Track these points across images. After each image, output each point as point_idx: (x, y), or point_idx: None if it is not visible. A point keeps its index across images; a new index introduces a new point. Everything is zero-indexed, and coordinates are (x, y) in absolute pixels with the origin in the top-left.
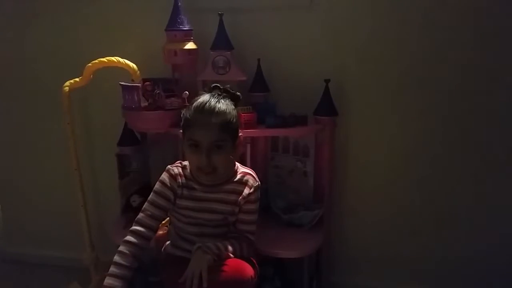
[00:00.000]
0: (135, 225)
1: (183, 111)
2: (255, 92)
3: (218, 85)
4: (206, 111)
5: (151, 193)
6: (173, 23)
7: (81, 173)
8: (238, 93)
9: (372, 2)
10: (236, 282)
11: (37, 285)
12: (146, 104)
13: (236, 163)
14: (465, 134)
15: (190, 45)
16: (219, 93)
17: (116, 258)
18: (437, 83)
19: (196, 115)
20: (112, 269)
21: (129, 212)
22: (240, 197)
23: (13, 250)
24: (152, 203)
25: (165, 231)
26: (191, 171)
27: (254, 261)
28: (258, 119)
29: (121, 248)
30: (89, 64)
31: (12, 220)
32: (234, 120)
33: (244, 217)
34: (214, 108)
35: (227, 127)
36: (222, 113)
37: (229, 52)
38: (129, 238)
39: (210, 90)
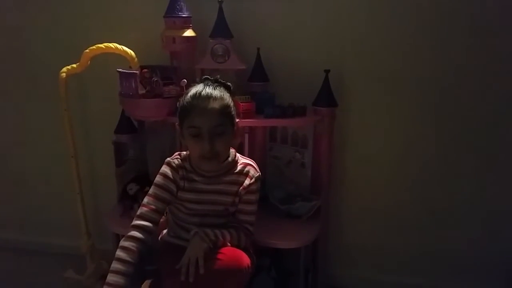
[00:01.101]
0: (138, 220)
1: (178, 102)
2: (254, 82)
3: (208, 76)
4: (203, 97)
5: (153, 187)
6: (172, 9)
7: (78, 161)
8: (229, 83)
9: None
10: (232, 271)
11: (33, 272)
12: (144, 91)
13: (237, 154)
14: (466, 126)
15: (189, 33)
16: (211, 83)
17: (121, 254)
18: (437, 73)
19: (193, 102)
20: (117, 265)
21: (126, 200)
22: (241, 188)
23: (9, 237)
24: (155, 197)
25: (163, 220)
26: (191, 161)
27: (251, 251)
28: (256, 109)
29: (126, 243)
30: (87, 50)
31: (8, 207)
32: (231, 105)
33: (244, 207)
34: (211, 94)
35: (225, 112)
36: (219, 98)
37: (228, 41)
38: (134, 233)
39: (201, 82)
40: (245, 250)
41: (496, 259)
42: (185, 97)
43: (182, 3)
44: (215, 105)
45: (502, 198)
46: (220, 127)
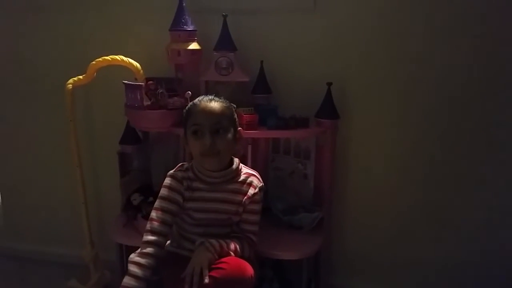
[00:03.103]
0: (149, 235)
1: (184, 111)
2: (257, 94)
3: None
4: (205, 100)
5: (158, 200)
6: (177, 23)
7: (83, 171)
8: (234, 105)
9: (375, 6)
10: (236, 281)
11: (36, 281)
12: (149, 103)
13: (240, 163)
14: (465, 137)
15: (194, 46)
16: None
17: (135, 270)
18: (438, 86)
19: (196, 103)
20: (130, 282)
21: (130, 210)
22: (245, 197)
23: (13, 246)
24: (162, 209)
25: None
26: (194, 169)
27: (255, 262)
28: (259, 120)
29: (141, 260)
30: (93, 62)
31: (13, 216)
32: (233, 110)
33: (248, 217)
34: (213, 98)
35: (226, 112)
36: (220, 101)
37: (232, 53)
38: (148, 250)
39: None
40: (248, 260)
41: (496, 261)
42: (188, 105)
43: (187, 17)
44: (216, 105)
45: (501, 199)
46: (220, 125)
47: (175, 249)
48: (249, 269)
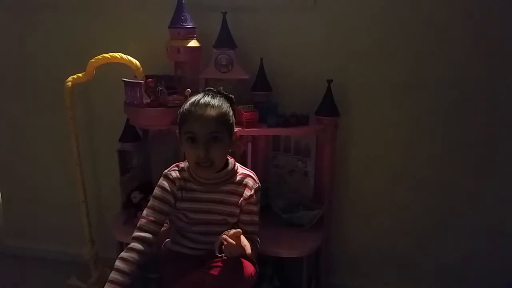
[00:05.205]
0: (138, 232)
1: (178, 110)
2: (257, 91)
3: (211, 88)
4: (201, 104)
5: (151, 199)
6: (176, 20)
7: (82, 169)
8: (231, 96)
9: (374, 3)
10: (236, 279)
11: (36, 279)
12: (148, 100)
13: (236, 163)
14: (465, 134)
15: (193, 43)
16: (212, 93)
17: (120, 265)
18: (438, 83)
19: (191, 109)
20: (115, 276)
21: (130, 208)
22: (241, 199)
23: (13, 244)
24: (154, 209)
25: (166, 228)
26: (189, 169)
27: (254, 260)
28: (259, 118)
29: (125, 255)
30: (92, 60)
31: (13, 214)
32: (230, 114)
33: (247, 218)
34: (209, 102)
35: (222, 120)
36: (216, 106)
37: (232, 51)
38: (134, 245)
39: (204, 92)
40: (248, 259)
41: (495, 259)
42: (184, 104)
43: (186, 14)
44: (212, 112)
45: (502, 198)
46: (215, 134)
47: (175, 246)
48: (249, 267)
